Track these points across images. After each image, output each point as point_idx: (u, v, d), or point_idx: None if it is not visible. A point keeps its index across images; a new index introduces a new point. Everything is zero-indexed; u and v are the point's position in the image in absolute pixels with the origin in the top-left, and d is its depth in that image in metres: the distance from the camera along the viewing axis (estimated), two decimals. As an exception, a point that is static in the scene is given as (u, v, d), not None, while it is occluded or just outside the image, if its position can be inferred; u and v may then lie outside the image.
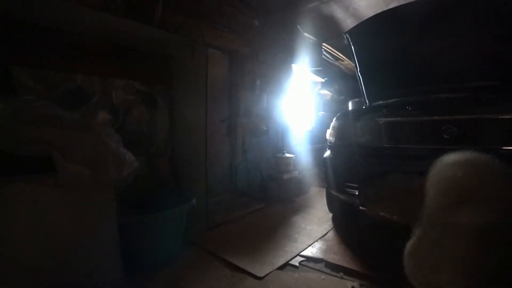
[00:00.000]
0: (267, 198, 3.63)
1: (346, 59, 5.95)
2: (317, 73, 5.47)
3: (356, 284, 1.75)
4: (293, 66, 4.71)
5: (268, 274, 1.85)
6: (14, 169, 1.29)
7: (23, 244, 1.30)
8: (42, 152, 1.33)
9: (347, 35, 2.56)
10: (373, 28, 2.40)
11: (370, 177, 1.91)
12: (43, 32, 1.91)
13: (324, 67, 5.65)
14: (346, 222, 2.79)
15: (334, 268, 1.94)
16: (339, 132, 2.31)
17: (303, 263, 2.04)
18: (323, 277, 1.83)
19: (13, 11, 1.71)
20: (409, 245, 1.32)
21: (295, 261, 2.04)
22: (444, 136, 1.74)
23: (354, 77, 3.05)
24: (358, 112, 2.45)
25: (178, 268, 1.94)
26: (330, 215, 3.00)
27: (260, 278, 1.82)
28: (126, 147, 1.73)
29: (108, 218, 1.59)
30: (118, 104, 2.37)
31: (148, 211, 1.89)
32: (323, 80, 5.85)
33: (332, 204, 2.87)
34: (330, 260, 2.02)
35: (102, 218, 1.56)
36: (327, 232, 2.56)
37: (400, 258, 1.39)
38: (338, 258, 2.06)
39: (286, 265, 2.00)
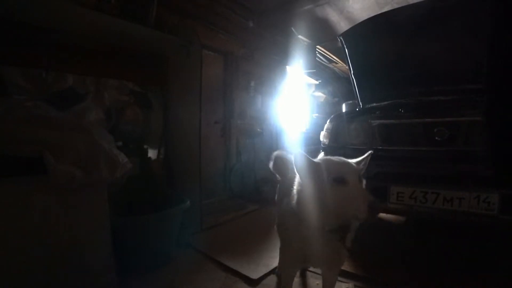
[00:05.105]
0: (261, 200, 3.62)
1: (340, 62, 6.00)
2: (311, 75, 5.51)
3: (350, 285, 1.76)
4: (288, 68, 4.73)
5: (262, 276, 1.85)
6: (4, 170, 1.26)
7: (15, 245, 1.27)
8: (34, 153, 1.31)
9: (341, 38, 2.58)
10: (367, 31, 2.42)
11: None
12: (35, 31, 1.87)
13: (318, 69, 5.68)
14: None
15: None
16: (333, 134, 2.32)
17: (297, 264, 2.04)
18: (317, 282, 1.83)
19: (4, 10, 1.68)
20: None
21: (289, 263, 2.04)
22: (436, 138, 1.77)
23: (347, 80, 3.08)
24: (351, 114, 2.46)
25: (172, 270, 1.93)
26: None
27: (254, 281, 1.81)
28: (119, 148, 1.71)
29: (100, 220, 1.57)
30: (111, 105, 2.34)
31: (142, 213, 1.87)
32: (317, 82, 5.89)
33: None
34: (324, 261, 2.02)
35: (94, 219, 1.54)
36: (321, 234, 2.56)
37: (394, 259, 1.40)
38: (332, 259, 2.06)
39: (281, 266, 2.00)
